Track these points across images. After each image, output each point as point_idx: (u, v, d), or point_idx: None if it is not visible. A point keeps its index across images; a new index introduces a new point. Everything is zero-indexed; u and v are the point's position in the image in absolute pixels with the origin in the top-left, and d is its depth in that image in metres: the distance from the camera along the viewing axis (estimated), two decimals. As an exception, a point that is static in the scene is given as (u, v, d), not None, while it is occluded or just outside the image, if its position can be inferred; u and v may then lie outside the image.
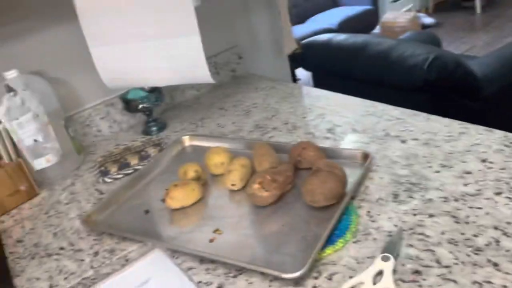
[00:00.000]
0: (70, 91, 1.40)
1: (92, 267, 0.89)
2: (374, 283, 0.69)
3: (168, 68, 1.18)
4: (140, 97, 1.37)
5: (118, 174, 1.20)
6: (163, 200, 1.00)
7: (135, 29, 1.15)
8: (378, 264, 0.72)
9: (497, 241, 0.73)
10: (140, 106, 1.37)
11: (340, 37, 2.43)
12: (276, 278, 0.75)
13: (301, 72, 3.88)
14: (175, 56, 1.15)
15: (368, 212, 0.86)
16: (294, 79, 4.00)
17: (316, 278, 0.74)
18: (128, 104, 1.38)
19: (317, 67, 2.69)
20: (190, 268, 0.82)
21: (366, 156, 0.99)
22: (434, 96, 2.20)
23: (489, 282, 0.67)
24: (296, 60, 2.70)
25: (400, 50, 2.21)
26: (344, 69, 2.38)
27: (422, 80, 2.06)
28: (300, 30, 4.21)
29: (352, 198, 0.90)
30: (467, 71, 2.15)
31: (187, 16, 1.08)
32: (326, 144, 1.12)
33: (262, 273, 0.77)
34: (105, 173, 1.21)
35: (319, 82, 2.77)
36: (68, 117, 1.38)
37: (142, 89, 1.37)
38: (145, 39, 1.16)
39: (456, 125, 1.06)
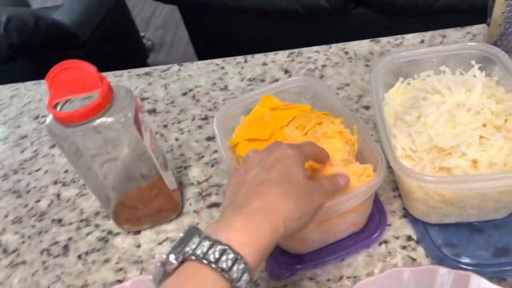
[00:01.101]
0: None
1: None
2: None
3: None
4: None
5: None
6: None
7: None
8: None
9: (58, 195, 0.70)
10: None
11: None
12: None
13: None
14: None
15: None
16: None
17: None
18: None
19: None
20: None
21: None
22: (36, 58, 2.04)
23: (56, 242, 0.63)
24: None
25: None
26: None
27: (6, 46, 1.85)
28: None
29: None
30: (52, 22, 2.05)
31: None
32: None
33: None
34: None
35: None
36: None
37: None
38: None
39: (6, 91, 0.95)
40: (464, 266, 0.49)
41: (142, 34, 2.57)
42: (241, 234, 0.35)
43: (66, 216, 0.66)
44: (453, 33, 0.79)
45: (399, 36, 0.82)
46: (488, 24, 0.64)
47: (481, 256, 0.50)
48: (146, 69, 0.90)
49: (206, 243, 0.33)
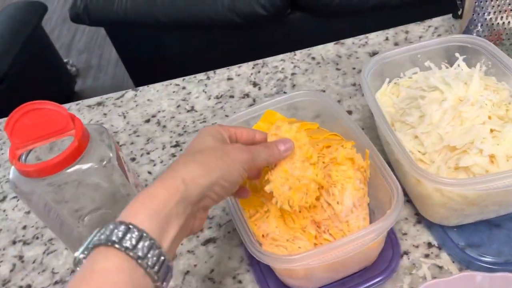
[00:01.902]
0: None
1: None
2: None
3: None
4: None
5: None
6: None
7: None
8: None
9: (21, 257, 0.59)
10: None
11: None
12: None
13: None
14: None
15: None
16: None
17: None
18: None
19: None
20: None
21: None
22: None
23: (29, 315, 0.53)
24: None
25: None
26: None
27: None
28: None
29: None
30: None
31: None
32: None
33: None
34: None
35: None
36: None
37: None
38: None
39: None
40: (492, 267, 0.47)
41: (65, 60, 2.40)
42: (133, 206, 0.34)
43: (36, 280, 0.57)
44: (415, 28, 0.79)
45: (362, 36, 0.80)
46: (460, 16, 0.63)
47: (507, 252, 0.48)
48: (97, 99, 0.81)
49: (110, 227, 0.32)
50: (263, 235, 0.47)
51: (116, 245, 0.31)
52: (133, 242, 0.31)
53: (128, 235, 0.31)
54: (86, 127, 0.44)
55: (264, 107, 0.56)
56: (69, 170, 0.42)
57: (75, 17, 1.68)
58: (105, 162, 0.43)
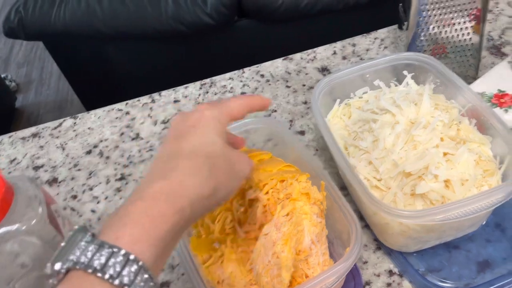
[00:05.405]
0: None
1: None
2: None
3: None
4: None
5: None
6: None
7: None
8: None
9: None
10: None
11: None
12: None
13: None
14: None
15: None
16: None
17: None
18: None
19: None
20: None
21: None
22: None
23: None
24: None
25: None
26: None
27: None
28: None
29: None
30: None
31: None
32: None
33: None
34: None
35: None
36: None
37: None
38: None
39: None
40: (454, 292, 0.46)
41: (3, 75, 2.26)
42: (133, 228, 0.29)
43: None
44: (361, 40, 0.78)
45: (310, 51, 0.78)
46: (406, 27, 0.63)
47: (467, 275, 0.47)
48: (32, 130, 0.75)
49: (91, 248, 0.28)
50: (218, 282, 0.44)
51: (113, 281, 0.27)
52: (131, 277, 0.27)
53: (126, 269, 0.27)
54: (9, 181, 0.39)
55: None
56: (-10, 235, 0.37)
57: (9, 32, 1.58)
58: (33, 222, 0.38)
